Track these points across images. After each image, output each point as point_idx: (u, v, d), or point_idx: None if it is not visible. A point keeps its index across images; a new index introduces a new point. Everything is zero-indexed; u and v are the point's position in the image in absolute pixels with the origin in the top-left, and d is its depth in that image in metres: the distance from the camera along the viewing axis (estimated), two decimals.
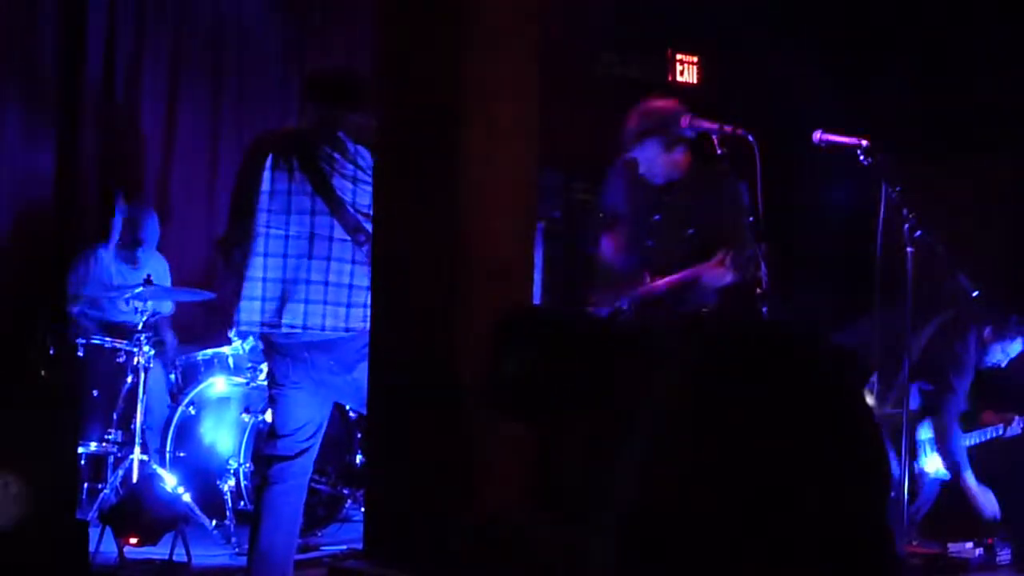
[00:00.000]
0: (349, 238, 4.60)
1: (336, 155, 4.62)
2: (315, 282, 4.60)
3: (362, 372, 4.49)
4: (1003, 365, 5.99)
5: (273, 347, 4.71)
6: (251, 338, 6.35)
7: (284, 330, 4.61)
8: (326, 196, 4.60)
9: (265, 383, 6.05)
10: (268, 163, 4.67)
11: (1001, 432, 5.93)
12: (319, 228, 4.61)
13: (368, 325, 4.50)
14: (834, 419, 1.30)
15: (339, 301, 4.59)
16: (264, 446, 4.91)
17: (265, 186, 4.66)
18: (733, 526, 1.25)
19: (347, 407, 6.17)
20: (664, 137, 5.15)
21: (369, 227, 4.56)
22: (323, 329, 4.59)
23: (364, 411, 5.25)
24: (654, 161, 5.21)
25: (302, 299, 4.60)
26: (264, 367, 6.20)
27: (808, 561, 1.25)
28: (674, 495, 1.28)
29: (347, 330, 4.59)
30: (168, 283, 7.10)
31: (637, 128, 5.20)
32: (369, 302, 4.52)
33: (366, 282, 4.55)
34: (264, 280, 4.64)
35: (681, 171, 5.22)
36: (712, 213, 5.16)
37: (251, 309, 4.65)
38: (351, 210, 4.60)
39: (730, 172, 5.18)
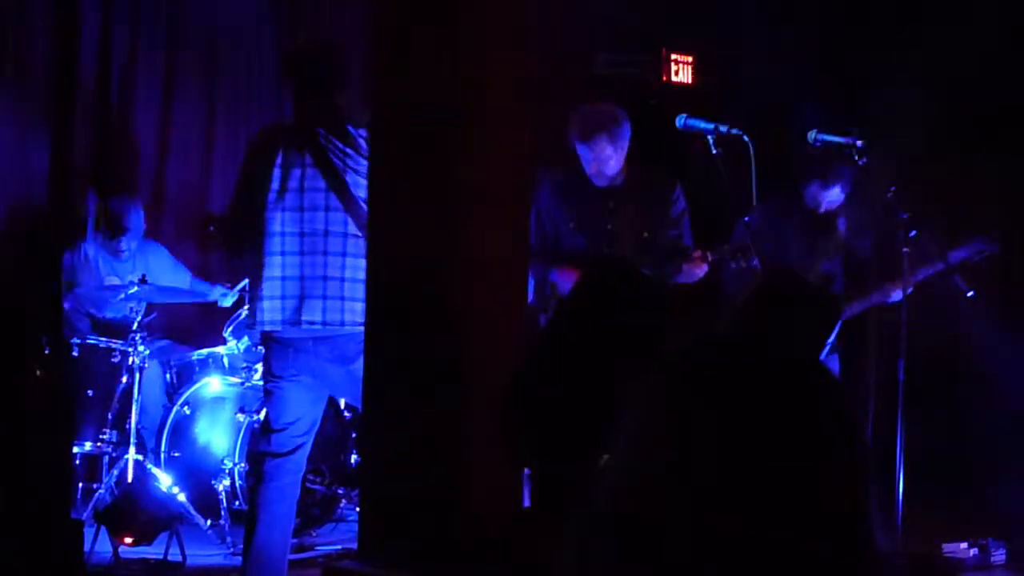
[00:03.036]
0: (361, 234, 4.60)
1: (349, 150, 4.63)
2: (332, 278, 4.61)
3: (361, 365, 4.50)
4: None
5: (277, 340, 4.71)
6: (246, 338, 6.34)
7: (304, 327, 4.62)
8: (339, 192, 4.61)
9: (260, 383, 6.04)
10: (279, 160, 4.67)
11: None
12: (333, 224, 4.62)
13: None
14: (816, 421, 1.31)
15: (355, 296, 4.60)
16: (258, 442, 4.91)
17: (276, 184, 4.66)
18: (712, 529, 1.25)
19: (342, 407, 6.17)
20: (612, 134, 5.26)
21: None
22: (342, 324, 4.61)
23: (359, 404, 5.27)
24: (603, 159, 5.28)
25: (320, 295, 4.62)
26: (259, 367, 6.19)
27: (789, 563, 1.25)
28: (652, 497, 1.28)
29: (364, 325, 4.60)
30: (170, 268, 7.07)
31: (584, 126, 5.27)
32: None
33: None
34: (283, 279, 4.65)
35: (622, 173, 5.35)
36: (663, 219, 5.41)
37: (273, 308, 4.66)
38: (364, 206, 4.60)
39: (671, 176, 5.38)
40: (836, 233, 5.86)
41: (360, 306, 4.59)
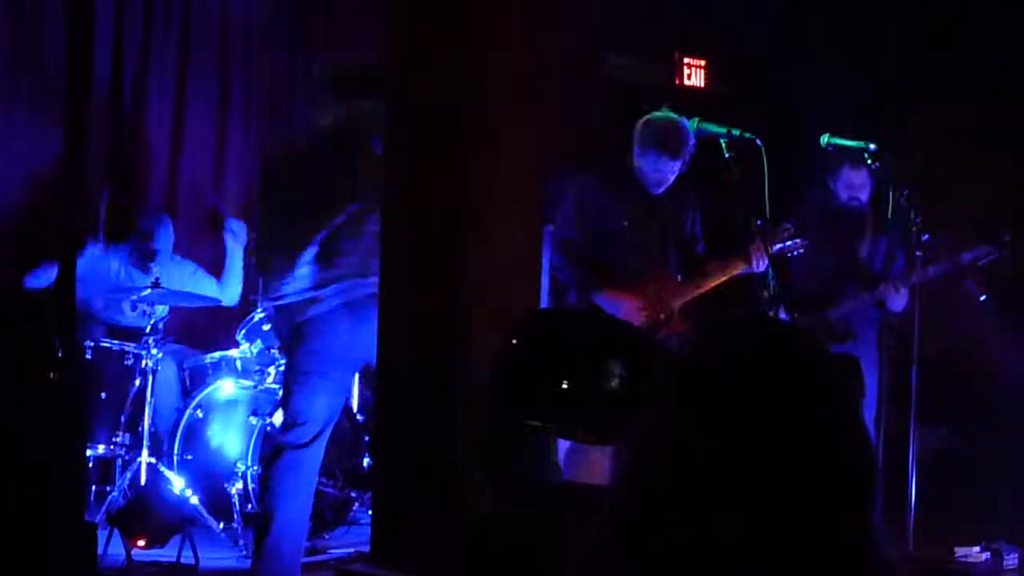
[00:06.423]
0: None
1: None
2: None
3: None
4: None
5: (315, 326, 4.71)
6: (259, 341, 6.35)
7: (331, 289, 4.64)
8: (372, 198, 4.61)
9: (274, 386, 6.05)
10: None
11: None
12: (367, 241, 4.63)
13: None
14: (826, 421, 1.31)
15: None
16: (277, 436, 4.91)
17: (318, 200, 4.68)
18: (713, 530, 1.26)
19: (354, 410, 6.19)
20: (685, 157, 5.30)
21: None
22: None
23: None
24: (672, 172, 5.31)
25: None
26: (271, 370, 6.20)
27: (793, 564, 1.26)
28: (662, 491, 1.29)
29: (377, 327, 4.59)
30: (194, 283, 7.05)
31: (671, 140, 5.26)
32: None
33: None
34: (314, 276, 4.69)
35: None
36: (693, 215, 5.58)
37: (298, 285, 4.69)
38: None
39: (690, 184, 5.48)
40: (868, 221, 5.88)
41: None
